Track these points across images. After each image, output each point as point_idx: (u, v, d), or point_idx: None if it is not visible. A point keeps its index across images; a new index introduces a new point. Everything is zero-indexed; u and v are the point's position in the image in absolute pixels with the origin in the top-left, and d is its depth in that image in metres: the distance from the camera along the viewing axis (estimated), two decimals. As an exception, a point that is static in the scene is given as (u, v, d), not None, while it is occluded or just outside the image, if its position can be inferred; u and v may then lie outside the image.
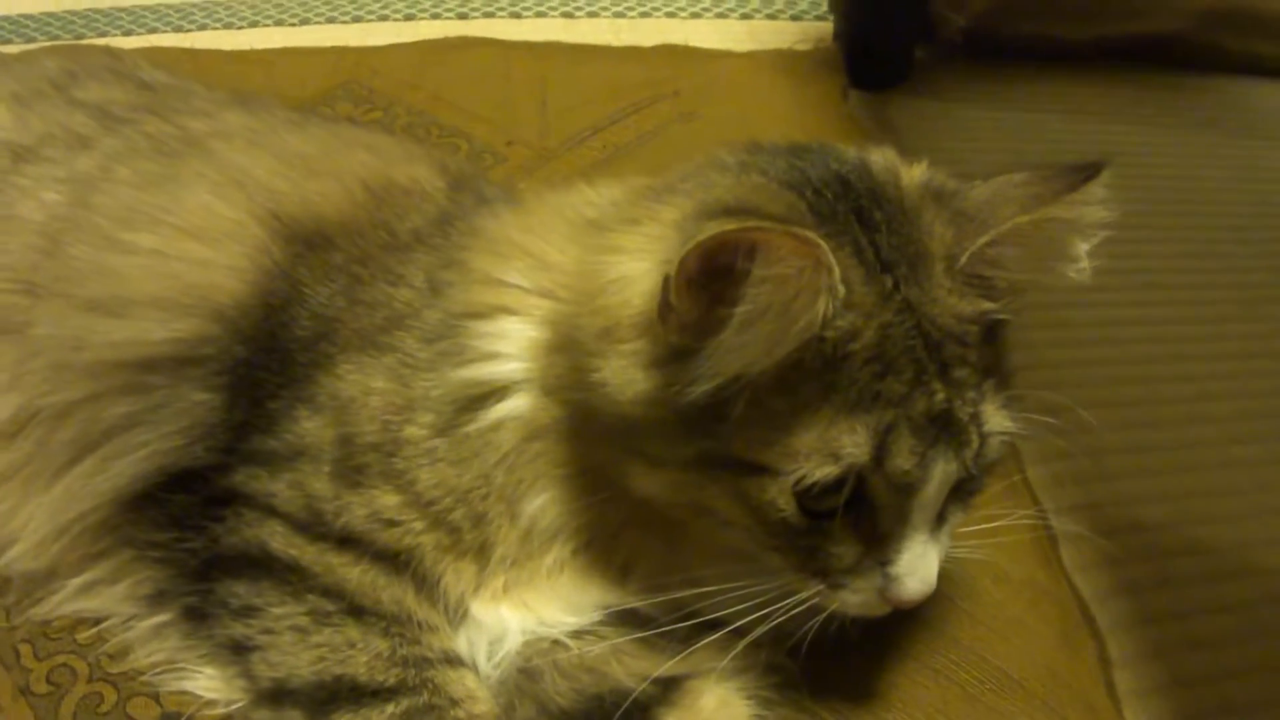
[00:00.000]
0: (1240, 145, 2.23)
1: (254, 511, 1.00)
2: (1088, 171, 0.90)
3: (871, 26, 2.17)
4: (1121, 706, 1.17)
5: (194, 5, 2.41)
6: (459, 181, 1.22)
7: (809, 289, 0.79)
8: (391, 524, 0.98)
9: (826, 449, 0.85)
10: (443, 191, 1.18)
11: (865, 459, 0.85)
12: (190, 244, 1.08)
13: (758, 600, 0.95)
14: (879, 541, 0.91)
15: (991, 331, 0.92)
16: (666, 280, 0.83)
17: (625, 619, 1.02)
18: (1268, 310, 1.82)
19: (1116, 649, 1.23)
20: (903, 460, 0.86)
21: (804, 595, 0.94)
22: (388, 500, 0.98)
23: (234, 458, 1.02)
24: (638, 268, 0.89)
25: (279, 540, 0.99)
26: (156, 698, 1.03)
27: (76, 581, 1.07)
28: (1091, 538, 1.34)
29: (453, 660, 0.99)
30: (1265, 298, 1.86)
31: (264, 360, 1.03)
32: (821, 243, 0.78)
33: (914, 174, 0.95)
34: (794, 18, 2.42)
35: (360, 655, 0.96)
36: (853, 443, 0.85)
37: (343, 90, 1.92)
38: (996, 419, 0.91)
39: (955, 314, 0.89)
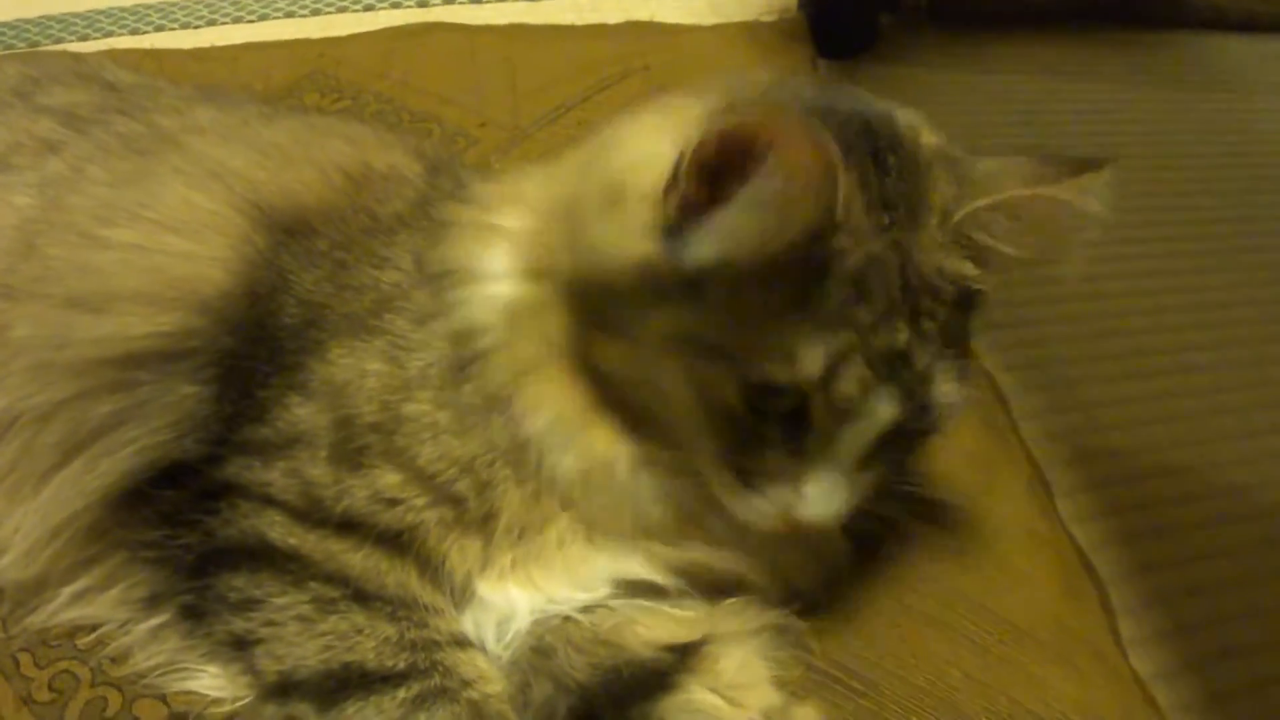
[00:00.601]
0: (1205, 98, 2.26)
1: (249, 502, 0.98)
2: (1094, 164, 0.91)
3: (837, -4, 2.16)
4: (1127, 653, 1.17)
5: (149, 6, 2.37)
6: (435, 167, 1.21)
7: (815, 192, 0.81)
8: (393, 503, 0.97)
9: (786, 353, 0.86)
10: (420, 176, 1.17)
11: (816, 375, 0.86)
12: (170, 237, 1.06)
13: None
14: (803, 460, 0.91)
15: (968, 300, 0.94)
16: (680, 157, 0.84)
17: (636, 590, 1.02)
18: (1241, 259, 1.83)
19: (1118, 597, 1.24)
20: (848, 386, 0.87)
21: (718, 490, 0.94)
22: (389, 479, 0.97)
23: (226, 449, 1.00)
24: (655, 146, 0.90)
25: (277, 530, 0.98)
26: (163, 699, 1.01)
27: (69, 590, 1.04)
28: (1086, 490, 1.34)
29: (461, 642, 0.98)
30: (1237, 247, 1.87)
31: (252, 349, 1.02)
32: (836, 152, 0.79)
33: (932, 137, 0.96)
34: (758, -9, 2.40)
35: (368, 641, 0.94)
36: (810, 356, 0.86)
37: (309, 81, 1.90)
38: (948, 385, 0.92)
39: (939, 268, 0.90)
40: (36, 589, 1.05)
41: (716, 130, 0.81)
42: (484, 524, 0.99)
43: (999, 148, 0.98)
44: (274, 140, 1.19)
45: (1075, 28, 2.31)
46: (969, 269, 0.91)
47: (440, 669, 0.94)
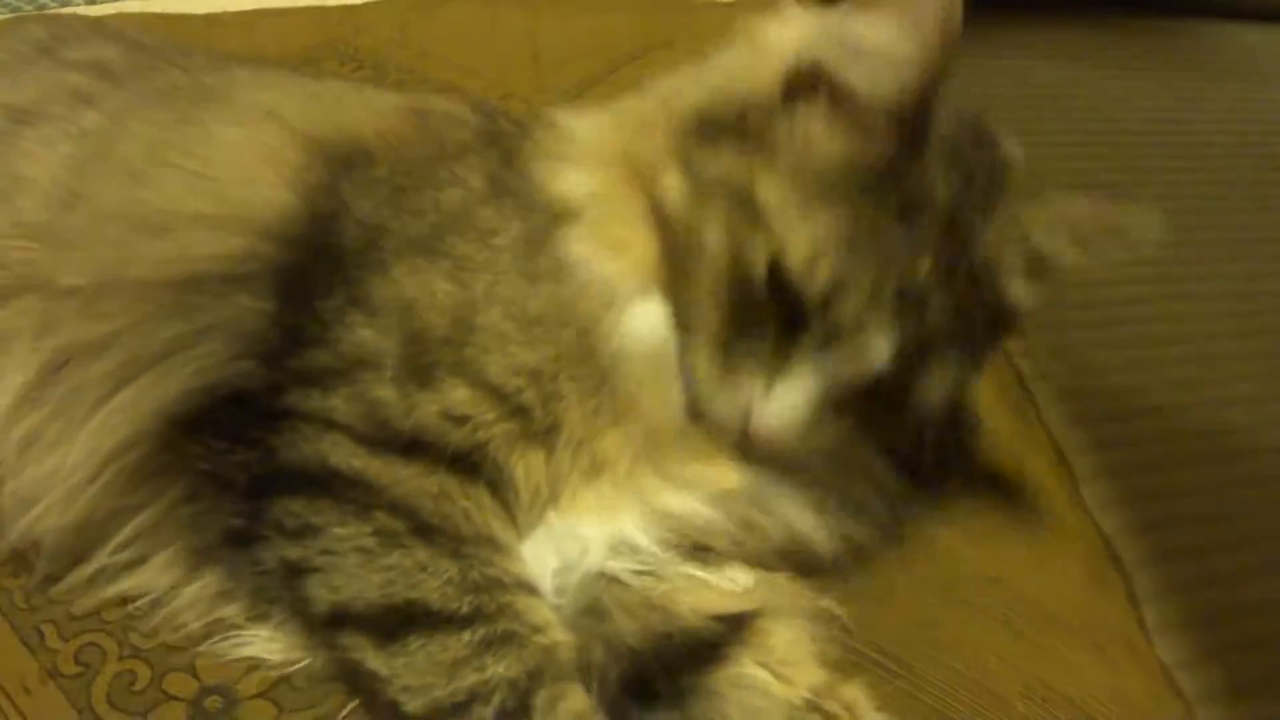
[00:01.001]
0: (1218, 86, 2.26)
1: (311, 425, 0.96)
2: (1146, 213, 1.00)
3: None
4: (1152, 641, 1.17)
5: (157, -31, 2.34)
6: (484, 109, 1.23)
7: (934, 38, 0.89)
8: (463, 420, 0.96)
9: (812, 254, 0.92)
10: (475, 115, 1.18)
11: (822, 287, 0.92)
12: (228, 168, 1.06)
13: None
14: (783, 365, 0.95)
15: (1001, 312, 0.99)
16: None
17: (688, 555, 1.02)
18: (1259, 249, 1.83)
19: (1142, 585, 1.23)
20: (852, 306, 0.92)
21: (700, 377, 0.98)
22: (459, 395, 0.96)
23: (286, 375, 0.98)
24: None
25: (341, 453, 0.95)
26: (193, 672, 0.98)
27: (111, 544, 1.01)
28: (1109, 476, 1.34)
29: (527, 586, 0.95)
30: (1255, 238, 1.87)
31: (315, 263, 1.01)
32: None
33: (1016, 149, 1.02)
34: (774, -33, 2.38)
35: (432, 580, 0.91)
36: (829, 266, 0.91)
37: (328, 49, 1.89)
38: (941, 372, 0.97)
39: (988, 259, 0.95)
40: (75, 542, 1.02)
41: None
42: (547, 436, 0.98)
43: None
44: (326, 93, 1.20)
45: (1090, 14, 2.31)
46: (1018, 278, 0.97)
47: (508, 613, 0.91)
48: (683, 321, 0.99)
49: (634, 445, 1.01)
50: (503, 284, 0.99)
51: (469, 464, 0.96)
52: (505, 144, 1.11)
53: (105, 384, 1.00)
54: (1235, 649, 1.21)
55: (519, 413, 0.97)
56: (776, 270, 0.93)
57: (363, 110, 1.14)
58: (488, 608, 0.91)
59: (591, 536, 1.01)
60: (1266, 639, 1.23)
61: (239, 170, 1.05)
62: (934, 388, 0.98)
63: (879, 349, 0.93)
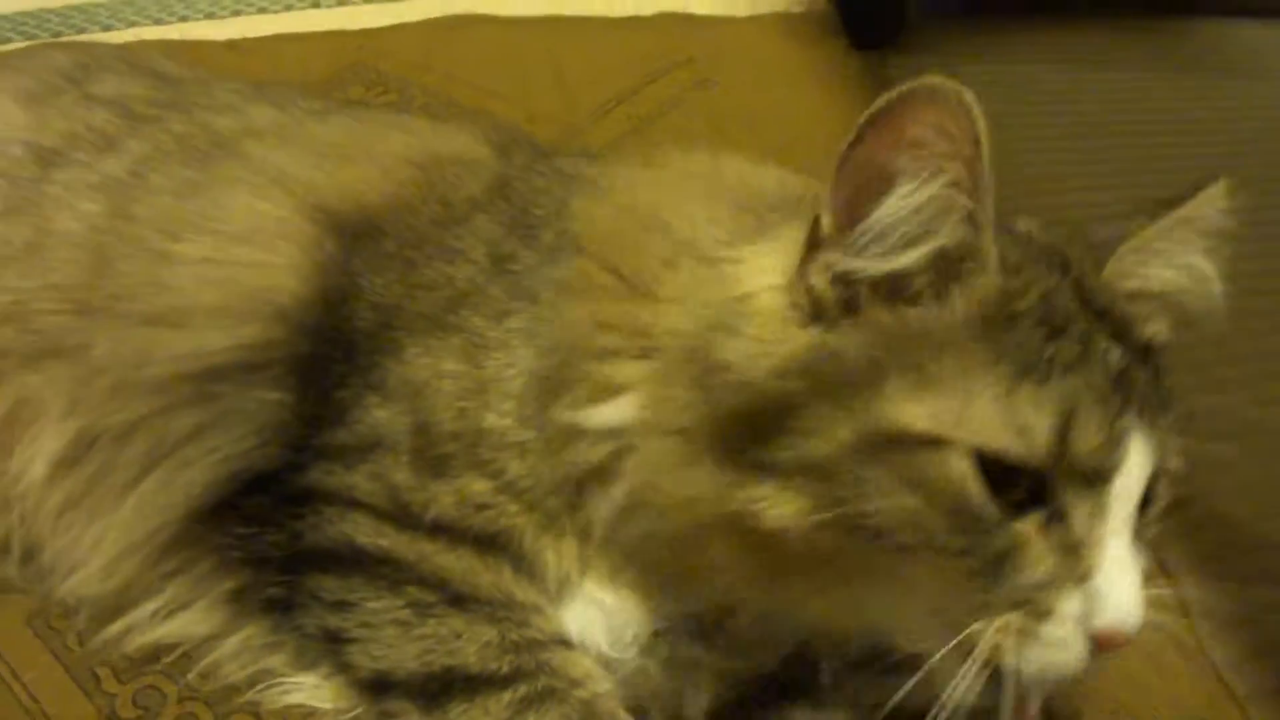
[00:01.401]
0: (1224, 85, 2.27)
1: (334, 507, 0.97)
2: (1206, 184, 0.91)
3: (867, -15, 2.18)
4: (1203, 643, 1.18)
5: (170, -2, 2.36)
6: (505, 145, 1.19)
7: (974, 182, 0.79)
8: (484, 508, 0.95)
9: (1007, 420, 0.77)
10: (491, 156, 1.16)
11: (1049, 440, 0.77)
12: (241, 248, 1.05)
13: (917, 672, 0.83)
14: (1072, 552, 0.79)
15: (1150, 350, 0.88)
16: (815, 220, 0.83)
17: None
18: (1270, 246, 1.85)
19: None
20: (1092, 434, 0.78)
21: (990, 640, 0.79)
22: (477, 487, 0.95)
23: (307, 455, 0.99)
24: (762, 260, 0.89)
25: (366, 532, 0.96)
26: (257, 715, 0.98)
27: (151, 605, 1.02)
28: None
29: (565, 641, 0.95)
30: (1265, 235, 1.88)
31: (329, 351, 1.01)
32: (976, 107, 0.77)
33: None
34: (781, -20, 2.41)
35: (469, 645, 0.92)
36: (1036, 415, 0.77)
37: (351, 73, 1.90)
38: (1169, 433, 0.85)
39: (1111, 303, 0.87)
40: (116, 603, 1.03)
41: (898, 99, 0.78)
42: (583, 534, 0.95)
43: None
44: (331, 139, 1.18)
45: (1098, 17, 2.32)
46: (1150, 322, 0.90)
47: (547, 669, 0.91)
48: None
49: None
50: (515, 376, 0.96)
51: (494, 544, 0.95)
52: (517, 197, 1.08)
53: (133, 468, 1.02)
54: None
55: (545, 512, 0.95)
56: (990, 469, 0.77)
57: (369, 166, 1.12)
58: (527, 666, 0.91)
59: (642, 606, 0.97)
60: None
61: (250, 252, 1.05)
62: (1172, 459, 0.86)
63: (1143, 448, 0.81)
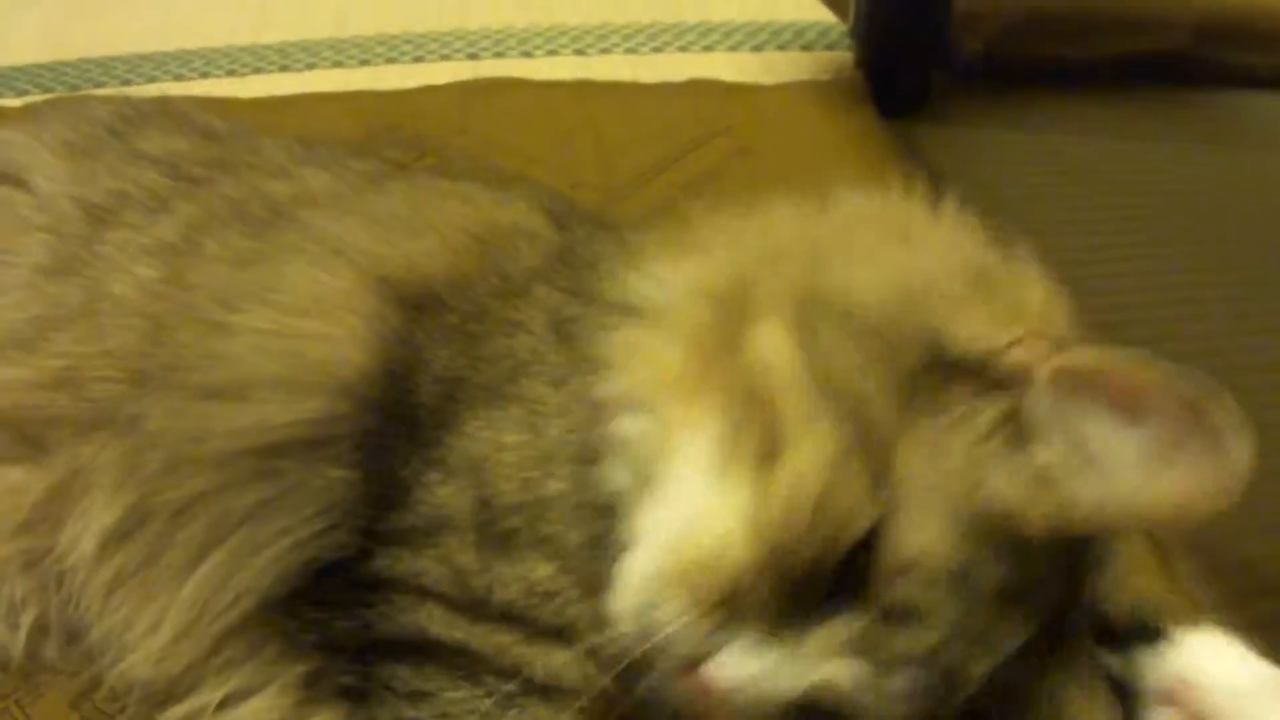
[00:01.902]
0: (1242, 156, 2.29)
1: (405, 596, 0.95)
2: None
3: (894, 53, 2.19)
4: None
5: (193, 53, 2.37)
6: (561, 214, 1.19)
7: None
8: (550, 596, 0.92)
9: (928, 549, 0.79)
10: (548, 226, 1.15)
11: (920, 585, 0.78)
12: (302, 320, 1.03)
13: None
14: (789, 622, 0.81)
15: None
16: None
17: None
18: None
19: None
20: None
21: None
22: (541, 572, 0.92)
23: (373, 541, 0.96)
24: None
25: (438, 623, 0.93)
26: None
27: (215, 692, 0.99)
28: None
29: None
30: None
31: (394, 428, 0.99)
32: None
33: None
34: (804, 48, 2.43)
35: None
36: (934, 574, 0.78)
37: (386, 135, 1.89)
38: None
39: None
40: (172, 688, 1.01)
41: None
42: None
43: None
44: (389, 208, 1.16)
45: (1117, 87, 2.34)
46: None
47: None
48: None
49: None
50: (576, 441, 0.94)
51: (565, 637, 0.92)
52: (579, 263, 1.07)
53: (192, 547, 0.99)
54: None
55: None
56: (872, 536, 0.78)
57: (430, 237, 1.10)
58: None
59: None
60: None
61: (313, 324, 1.03)
62: None
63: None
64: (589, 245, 1.11)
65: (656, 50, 2.42)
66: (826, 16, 2.56)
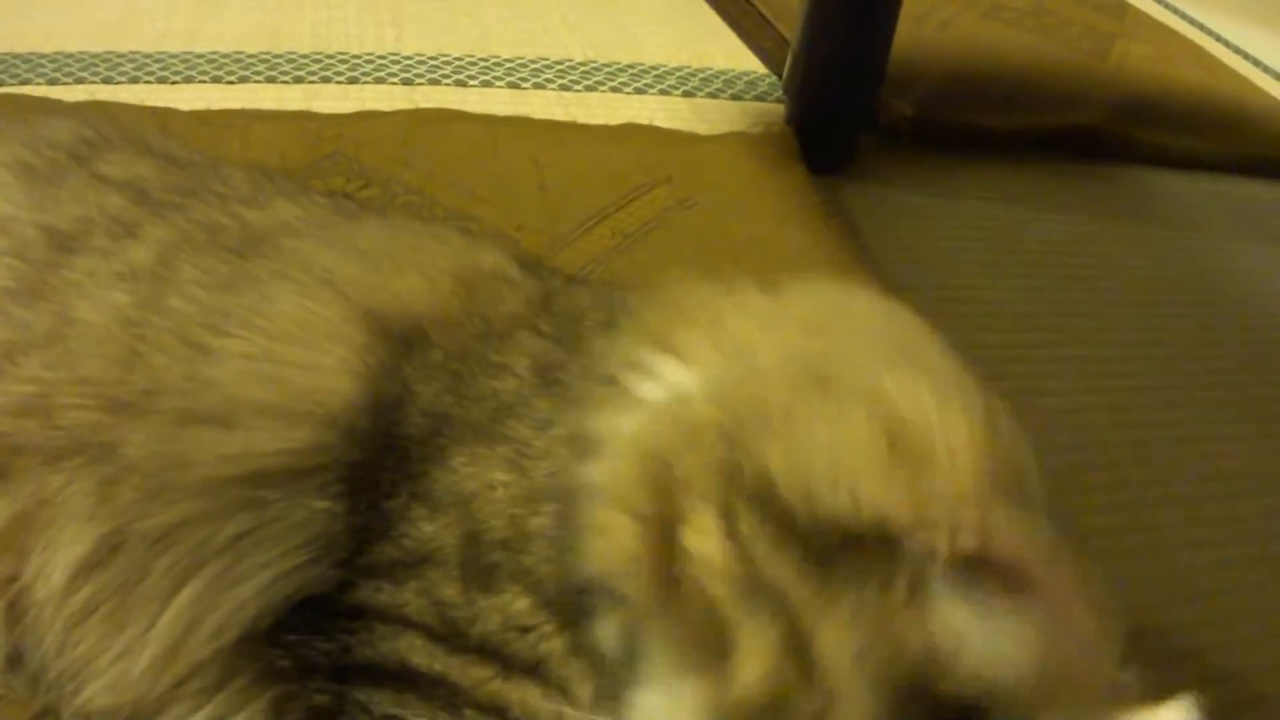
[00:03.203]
0: (1152, 232, 2.38)
1: (387, 625, 0.95)
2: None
3: (825, 113, 2.24)
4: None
5: (122, 56, 2.33)
6: (532, 265, 1.20)
7: None
8: (525, 630, 0.94)
9: None
10: (523, 276, 1.16)
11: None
12: (291, 348, 1.02)
13: None
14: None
15: None
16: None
17: None
18: (1205, 395, 1.94)
19: None
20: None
21: None
22: (519, 605, 0.94)
23: (356, 573, 0.97)
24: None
25: (419, 654, 0.94)
26: None
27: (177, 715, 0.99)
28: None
29: None
30: (1201, 383, 1.98)
31: (380, 459, 0.99)
32: None
33: None
34: (734, 97, 2.46)
35: None
36: None
37: (330, 163, 1.88)
38: None
39: None
40: (147, 712, 0.99)
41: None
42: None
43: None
44: (371, 244, 1.16)
45: (1040, 158, 2.43)
46: None
47: None
48: None
49: None
50: (559, 480, 0.95)
51: (539, 674, 0.94)
52: (559, 313, 1.09)
53: (169, 576, 0.98)
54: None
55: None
56: None
57: (415, 276, 1.11)
58: None
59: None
60: None
61: (302, 352, 1.02)
62: None
63: None
64: (571, 297, 1.13)
65: (589, 89, 2.45)
66: (756, 67, 2.62)
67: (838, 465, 0.85)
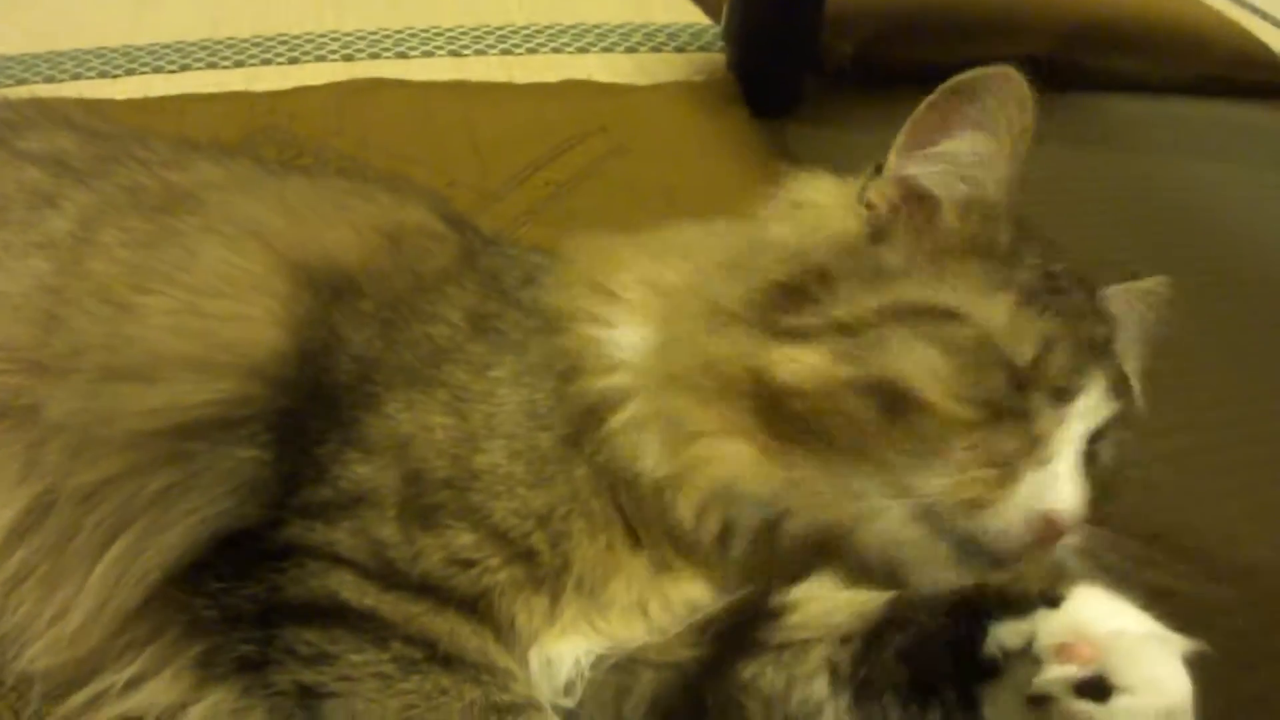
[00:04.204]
0: (1106, 156, 2.35)
1: (318, 562, 0.95)
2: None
3: (766, 57, 2.22)
4: None
5: (63, 54, 2.32)
6: (457, 221, 1.22)
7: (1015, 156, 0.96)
8: (469, 565, 0.95)
9: (1009, 325, 0.92)
10: (450, 231, 1.17)
11: (1033, 353, 0.92)
12: (215, 301, 1.03)
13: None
14: (1038, 442, 0.92)
15: None
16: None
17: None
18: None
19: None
20: (1065, 362, 0.93)
21: (967, 492, 0.90)
22: (463, 539, 0.95)
23: (287, 512, 0.97)
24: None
25: (350, 589, 0.94)
26: None
27: (117, 675, 0.98)
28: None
29: (538, 706, 0.94)
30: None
31: (308, 407, 1.00)
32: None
33: None
34: (677, 49, 2.46)
35: (454, 703, 0.90)
36: (1029, 331, 0.92)
37: (263, 135, 1.88)
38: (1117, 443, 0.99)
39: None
40: (76, 675, 0.99)
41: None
42: (555, 579, 0.97)
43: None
44: (298, 198, 1.17)
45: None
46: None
47: None
48: (879, 462, 0.92)
49: (640, 583, 1.00)
50: (502, 418, 0.98)
51: (477, 608, 0.95)
52: (484, 269, 1.11)
53: (99, 532, 0.98)
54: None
55: (526, 556, 0.96)
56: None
57: (344, 229, 1.12)
58: None
59: (595, 644, 0.99)
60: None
61: (226, 304, 1.03)
62: (1111, 449, 0.99)
63: (1102, 396, 0.95)
64: (492, 255, 1.15)
65: (532, 51, 2.44)
66: (699, 18, 2.60)
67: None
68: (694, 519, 0.97)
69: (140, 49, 2.36)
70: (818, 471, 0.94)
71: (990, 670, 0.85)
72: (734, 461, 0.95)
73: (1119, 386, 0.98)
